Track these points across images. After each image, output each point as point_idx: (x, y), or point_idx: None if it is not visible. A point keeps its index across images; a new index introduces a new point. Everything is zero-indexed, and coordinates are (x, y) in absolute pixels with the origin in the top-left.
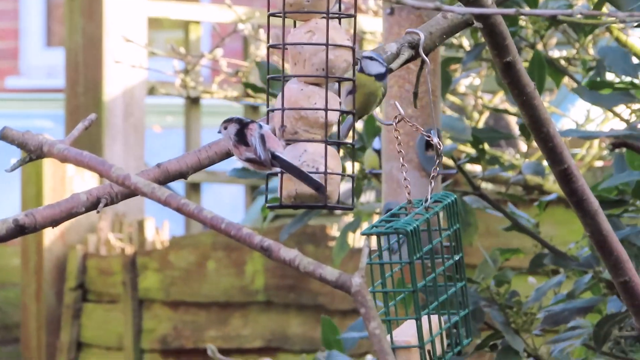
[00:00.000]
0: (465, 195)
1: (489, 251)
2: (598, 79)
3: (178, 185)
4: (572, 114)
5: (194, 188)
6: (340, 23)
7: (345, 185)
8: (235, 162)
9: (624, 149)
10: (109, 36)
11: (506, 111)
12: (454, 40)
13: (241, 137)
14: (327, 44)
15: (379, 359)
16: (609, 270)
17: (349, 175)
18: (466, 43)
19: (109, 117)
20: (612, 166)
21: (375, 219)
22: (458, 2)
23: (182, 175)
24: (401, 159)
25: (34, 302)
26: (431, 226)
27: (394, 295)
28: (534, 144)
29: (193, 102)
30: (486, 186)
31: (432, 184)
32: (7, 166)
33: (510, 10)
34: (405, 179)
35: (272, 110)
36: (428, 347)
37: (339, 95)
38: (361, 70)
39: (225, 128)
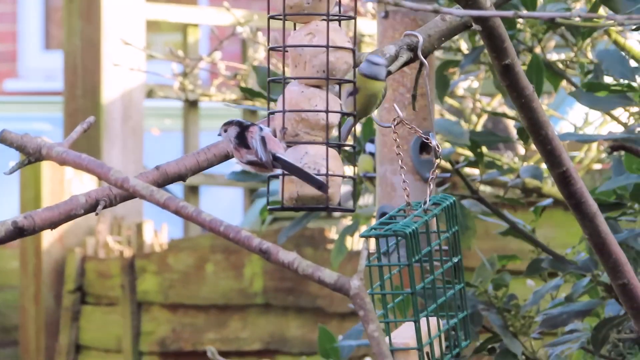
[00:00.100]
0: (463, 199)
1: (487, 255)
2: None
3: (176, 188)
4: (570, 117)
5: (193, 191)
6: (340, 25)
7: (345, 188)
8: (233, 165)
9: (622, 152)
10: (107, 39)
11: (504, 115)
12: (451, 44)
13: (242, 140)
14: (327, 46)
15: None
16: (607, 272)
17: (350, 177)
18: (464, 47)
19: (107, 120)
20: (610, 169)
21: (373, 222)
22: (456, 5)
23: (180, 177)
24: (400, 161)
25: (33, 304)
26: (430, 229)
27: (393, 297)
28: (532, 147)
29: (191, 105)
30: (484, 189)
31: (431, 186)
32: (6, 169)
33: (509, 13)
34: (404, 181)
35: (273, 113)
36: (427, 349)
37: (340, 97)
38: (363, 72)
39: (225, 131)
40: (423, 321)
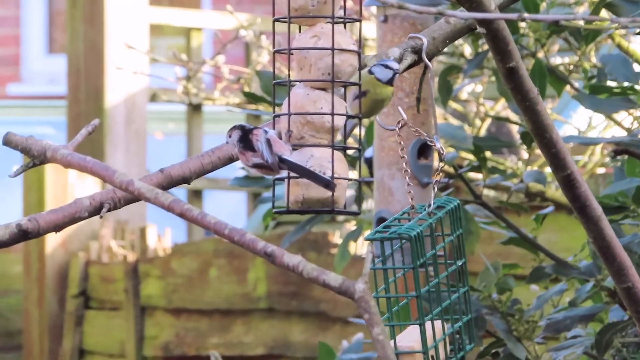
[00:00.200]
0: (467, 203)
1: (491, 259)
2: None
3: (180, 192)
4: (574, 121)
5: (196, 195)
6: (345, 28)
7: (349, 192)
8: (237, 171)
9: (626, 156)
10: (110, 43)
11: (508, 119)
12: (455, 49)
13: (247, 143)
14: (332, 49)
15: None
16: (612, 276)
17: (355, 180)
18: (467, 52)
19: (110, 124)
20: (613, 174)
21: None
22: (461, 7)
23: (185, 180)
24: (404, 164)
25: (36, 309)
26: (434, 231)
27: (397, 300)
28: (536, 151)
29: (195, 108)
30: (488, 194)
31: (435, 188)
32: (9, 172)
33: (513, 15)
34: (407, 184)
35: (278, 116)
36: (431, 352)
37: (345, 100)
38: (377, 77)
39: (230, 136)
40: (428, 324)
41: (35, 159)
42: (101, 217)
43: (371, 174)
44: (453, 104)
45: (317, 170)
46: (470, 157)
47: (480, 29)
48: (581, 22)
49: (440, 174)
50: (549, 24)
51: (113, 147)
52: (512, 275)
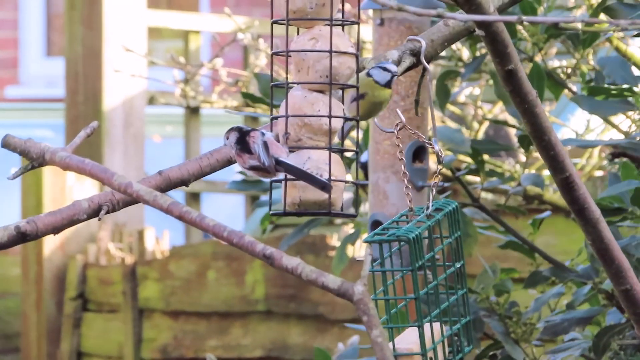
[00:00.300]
0: (465, 206)
1: (489, 262)
2: None
3: (178, 195)
4: (572, 123)
5: (194, 198)
6: (343, 30)
7: (347, 195)
8: (234, 174)
9: (624, 159)
10: (108, 46)
11: (506, 123)
12: (453, 53)
13: (243, 145)
14: (330, 51)
15: None
16: (610, 278)
17: (352, 183)
18: (465, 55)
19: (108, 127)
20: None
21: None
22: (459, 10)
23: (183, 182)
24: (402, 166)
25: (34, 311)
26: (432, 234)
27: (396, 302)
28: (534, 154)
29: (193, 111)
30: (486, 196)
31: (433, 191)
32: (7, 175)
33: (513, 17)
34: (406, 187)
35: (276, 118)
36: (430, 354)
37: (343, 102)
38: (376, 80)
39: (228, 138)
40: (426, 327)
41: (34, 161)
42: (100, 220)
43: (366, 179)
44: (451, 107)
45: (314, 172)
46: (468, 160)
47: (479, 32)
48: (580, 25)
49: (439, 176)
50: (546, 28)
51: (111, 150)
52: (510, 277)
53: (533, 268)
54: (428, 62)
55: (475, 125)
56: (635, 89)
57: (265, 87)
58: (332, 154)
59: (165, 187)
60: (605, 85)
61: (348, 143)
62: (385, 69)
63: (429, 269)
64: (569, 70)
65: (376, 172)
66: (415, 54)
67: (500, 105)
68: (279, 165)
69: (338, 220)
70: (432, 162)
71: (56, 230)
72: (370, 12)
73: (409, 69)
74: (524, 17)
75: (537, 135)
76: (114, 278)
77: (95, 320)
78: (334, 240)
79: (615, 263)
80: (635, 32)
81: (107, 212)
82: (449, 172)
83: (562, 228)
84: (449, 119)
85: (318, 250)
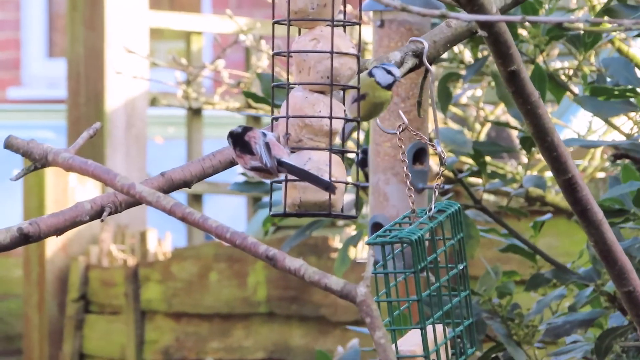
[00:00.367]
0: (467, 208)
1: (491, 263)
2: None
3: (180, 197)
4: (574, 125)
5: (196, 199)
6: (344, 31)
7: (348, 197)
8: (237, 175)
9: (626, 160)
10: (110, 47)
11: (508, 124)
12: (454, 55)
13: (244, 146)
14: (332, 52)
15: None
16: (613, 280)
17: (353, 184)
18: (467, 57)
19: (110, 128)
20: (608, 183)
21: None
22: (462, 11)
23: (186, 184)
24: (404, 167)
25: (37, 313)
26: (435, 235)
27: (398, 304)
28: (536, 156)
29: (195, 113)
30: (488, 198)
31: (436, 193)
32: (9, 177)
33: (516, 17)
34: (408, 189)
35: (277, 118)
36: (433, 356)
37: (344, 103)
38: (378, 81)
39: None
40: (429, 329)
41: (37, 162)
42: (102, 221)
43: (365, 178)
44: (453, 109)
45: (315, 173)
46: (470, 161)
47: (481, 32)
48: (584, 25)
49: (441, 178)
50: (548, 30)
51: (113, 151)
52: (511, 280)
53: (535, 270)
54: (430, 64)
55: (477, 126)
56: (638, 89)
57: (267, 87)
58: (333, 155)
59: (168, 188)
60: (608, 87)
61: (351, 144)
62: (388, 72)
63: (431, 271)
64: (571, 72)
65: (376, 174)
66: (418, 55)
67: (502, 106)
68: (281, 166)
69: (340, 222)
70: (433, 164)
71: (59, 231)
72: (371, 13)
73: (411, 70)
74: (528, 17)
75: (540, 136)
76: (116, 280)
77: (97, 322)
78: (336, 242)
79: (618, 265)
80: (637, 33)
81: (110, 214)
82: (451, 174)
83: (564, 230)
84: (450, 121)
85: (320, 252)
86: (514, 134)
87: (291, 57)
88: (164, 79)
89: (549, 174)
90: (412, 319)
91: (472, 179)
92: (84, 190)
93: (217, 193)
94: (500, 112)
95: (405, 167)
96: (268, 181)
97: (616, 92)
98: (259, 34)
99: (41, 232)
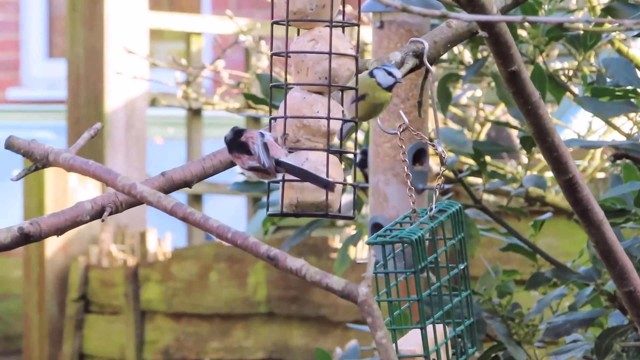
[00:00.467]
0: (467, 208)
1: (492, 263)
2: None
3: (180, 197)
4: (574, 125)
5: (196, 199)
6: (343, 32)
7: (346, 198)
8: (237, 175)
9: (626, 160)
10: (110, 47)
11: (508, 124)
12: (454, 56)
13: (242, 146)
14: (330, 53)
15: None
16: (613, 280)
17: (350, 185)
18: (467, 57)
19: (110, 129)
20: (610, 181)
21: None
22: (462, 11)
23: (186, 184)
24: (405, 167)
25: (36, 313)
26: (435, 235)
27: (399, 304)
28: (536, 156)
29: (195, 113)
30: (488, 198)
31: (437, 193)
32: (9, 177)
33: (517, 18)
34: (409, 189)
35: (275, 119)
36: (433, 356)
37: (342, 104)
38: (379, 82)
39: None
40: (429, 328)
41: (38, 162)
42: (103, 221)
43: (365, 178)
44: (453, 109)
45: None
46: (470, 161)
47: (482, 33)
48: (585, 25)
49: (442, 178)
50: (547, 30)
51: (113, 151)
52: (512, 278)
53: (535, 270)
54: (431, 64)
55: (477, 127)
56: (639, 89)
57: (267, 88)
58: (330, 155)
59: (169, 188)
60: (609, 87)
61: (350, 144)
62: (389, 73)
63: (432, 271)
64: (571, 73)
65: (376, 174)
66: (418, 55)
67: (502, 107)
68: (280, 166)
69: (340, 222)
70: (433, 164)
71: (59, 231)
72: (371, 14)
73: (411, 70)
74: (529, 18)
75: (541, 136)
76: (116, 280)
77: (97, 322)
78: (336, 242)
79: (619, 265)
80: (638, 33)
81: (111, 214)
82: (451, 174)
83: (564, 230)
84: (450, 121)
85: (320, 252)
86: (514, 134)
87: (289, 57)
88: (164, 79)
89: (549, 174)
90: (413, 318)
91: (472, 179)
92: (83, 191)
93: (217, 193)
94: (500, 113)
95: (405, 167)
96: (266, 181)
97: (618, 93)
98: (258, 34)
99: (42, 231)
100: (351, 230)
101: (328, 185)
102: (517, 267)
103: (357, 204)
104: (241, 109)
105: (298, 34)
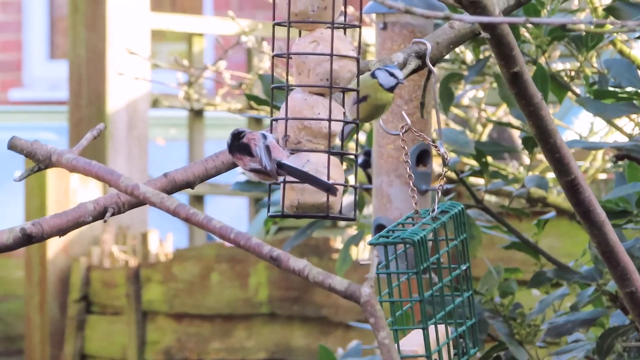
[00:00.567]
0: (469, 208)
1: (493, 264)
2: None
3: (181, 198)
4: (575, 126)
5: (198, 200)
6: (345, 34)
7: (347, 199)
8: (238, 176)
9: (628, 161)
10: (112, 48)
11: (510, 124)
12: (456, 56)
13: (244, 148)
14: (331, 54)
15: None
16: (615, 280)
17: (352, 186)
18: (469, 59)
19: (112, 130)
20: (614, 180)
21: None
22: (465, 13)
23: (189, 185)
24: (407, 168)
25: (38, 314)
26: (438, 236)
27: (401, 304)
28: (537, 156)
29: (196, 114)
30: (489, 199)
31: (439, 193)
32: (11, 178)
33: (520, 19)
34: (411, 190)
35: (276, 120)
36: (435, 356)
37: (343, 105)
38: (381, 83)
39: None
40: (431, 329)
41: (40, 163)
42: (105, 222)
43: (368, 179)
44: (455, 110)
45: (313, 175)
46: (472, 162)
47: (484, 34)
48: (587, 26)
49: (444, 179)
50: (549, 31)
51: (115, 152)
52: (514, 278)
53: (537, 269)
54: (434, 65)
55: (479, 127)
56: None
57: (268, 89)
58: (331, 157)
59: (171, 189)
60: (611, 88)
61: (352, 145)
62: (391, 74)
63: (434, 272)
64: (573, 73)
65: (380, 176)
66: (421, 56)
67: (504, 107)
68: (282, 168)
69: (341, 223)
70: (436, 165)
71: (61, 232)
72: (374, 15)
73: (414, 71)
74: (531, 19)
75: (543, 137)
76: (118, 280)
77: (98, 323)
78: (338, 243)
79: (621, 265)
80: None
81: (113, 214)
82: (453, 174)
83: (565, 230)
84: (452, 122)
85: (321, 253)
86: (516, 134)
87: (291, 58)
88: (166, 80)
89: (551, 174)
90: (415, 319)
91: (474, 179)
92: (85, 192)
93: (218, 194)
94: (502, 113)
95: (408, 168)
96: (267, 182)
97: (621, 95)
98: (260, 35)
99: (44, 232)
100: (352, 231)
101: (330, 189)
102: (519, 267)
103: (358, 205)
104: (243, 110)
105: (300, 35)
